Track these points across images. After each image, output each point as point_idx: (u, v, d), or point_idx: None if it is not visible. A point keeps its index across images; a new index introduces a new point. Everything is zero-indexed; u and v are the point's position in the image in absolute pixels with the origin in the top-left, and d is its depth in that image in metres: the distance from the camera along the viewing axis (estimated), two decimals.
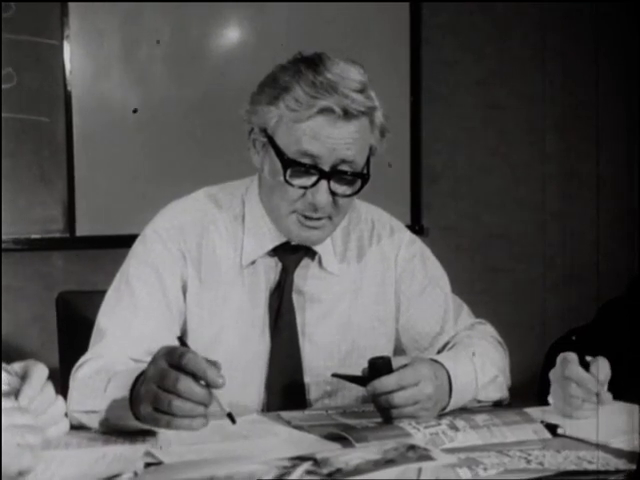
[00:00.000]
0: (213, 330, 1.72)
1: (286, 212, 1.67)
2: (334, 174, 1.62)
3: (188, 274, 1.72)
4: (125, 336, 1.64)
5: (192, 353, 1.33)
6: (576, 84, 3.87)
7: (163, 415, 1.34)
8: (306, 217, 1.66)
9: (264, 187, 1.72)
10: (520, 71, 3.81)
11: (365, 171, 1.66)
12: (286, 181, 1.62)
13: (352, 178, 1.65)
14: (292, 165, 1.61)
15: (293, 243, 1.73)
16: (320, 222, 1.67)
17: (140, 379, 1.43)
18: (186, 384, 1.32)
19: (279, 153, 1.62)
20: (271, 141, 1.64)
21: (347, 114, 1.59)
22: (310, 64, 1.62)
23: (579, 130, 3.90)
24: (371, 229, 1.84)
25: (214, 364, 1.34)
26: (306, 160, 1.61)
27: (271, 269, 1.75)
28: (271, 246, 1.74)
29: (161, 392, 1.33)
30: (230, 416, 1.34)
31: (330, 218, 1.68)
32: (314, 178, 1.62)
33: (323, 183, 1.62)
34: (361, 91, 1.61)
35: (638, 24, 3.29)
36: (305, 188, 1.63)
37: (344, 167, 1.63)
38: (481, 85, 3.78)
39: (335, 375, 1.66)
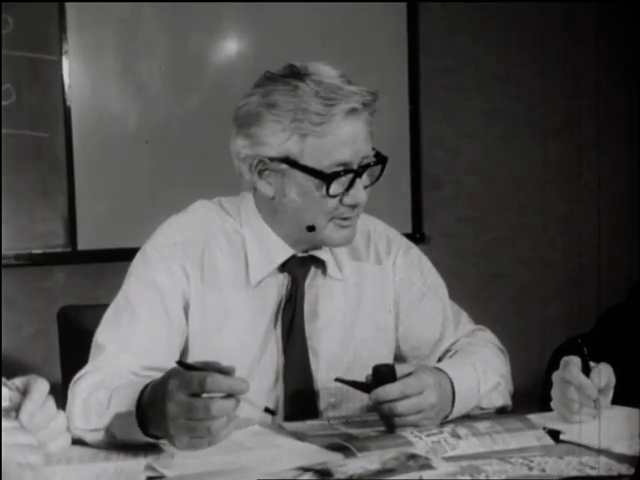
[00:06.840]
0: (218, 346, 1.69)
1: (324, 223, 1.68)
2: (363, 169, 1.65)
3: (190, 292, 1.70)
4: (124, 351, 1.62)
5: (210, 376, 1.32)
6: (576, 88, 3.87)
7: (202, 440, 1.35)
8: (343, 219, 1.68)
9: (282, 211, 1.70)
10: (519, 76, 3.81)
11: (382, 155, 1.69)
12: (329, 195, 1.64)
13: (375, 166, 1.68)
14: (334, 179, 1.63)
15: (327, 246, 1.74)
16: (354, 219, 1.70)
17: (145, 394, 1.43)
18: (218, 407, 1.32)
19: (314, 172, 1.63)
20: (295, 165, 1.63)
21: (365, 106, 1.62)
22: (296, 76, 1.63)
23: (579, 135, 3.90)
24: (367, 239, 1.83)
25: (228, 371, 1.34)
26: (340, 168, 1.63)
27: (280, 284, 1.74)
28: (280, 261, 1.72)
29: (195, 423, 1.33)
30: (268, 410, 1.40)
31: (357, 213, 1.70)
32: (346, 180, 1.64)
33: (358, 181, 1.65)
34: (351, 82, 1.64)
35: (638, 29, 3.30)
36: (342, 193, 1.65)
37: (366, 160, 1.66)
38: (480, 91, 3.78)
39: (339, 380, 1.63)
